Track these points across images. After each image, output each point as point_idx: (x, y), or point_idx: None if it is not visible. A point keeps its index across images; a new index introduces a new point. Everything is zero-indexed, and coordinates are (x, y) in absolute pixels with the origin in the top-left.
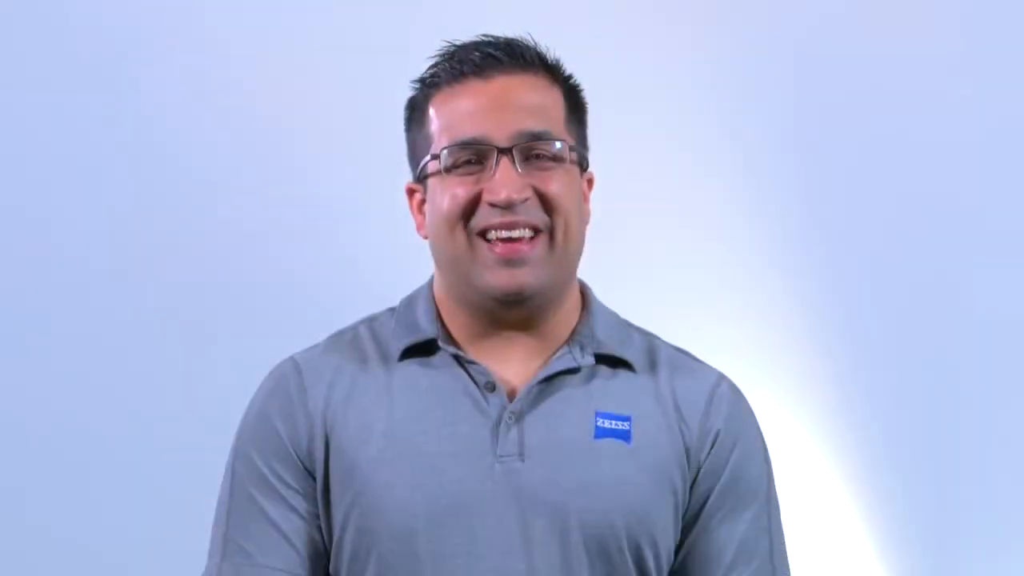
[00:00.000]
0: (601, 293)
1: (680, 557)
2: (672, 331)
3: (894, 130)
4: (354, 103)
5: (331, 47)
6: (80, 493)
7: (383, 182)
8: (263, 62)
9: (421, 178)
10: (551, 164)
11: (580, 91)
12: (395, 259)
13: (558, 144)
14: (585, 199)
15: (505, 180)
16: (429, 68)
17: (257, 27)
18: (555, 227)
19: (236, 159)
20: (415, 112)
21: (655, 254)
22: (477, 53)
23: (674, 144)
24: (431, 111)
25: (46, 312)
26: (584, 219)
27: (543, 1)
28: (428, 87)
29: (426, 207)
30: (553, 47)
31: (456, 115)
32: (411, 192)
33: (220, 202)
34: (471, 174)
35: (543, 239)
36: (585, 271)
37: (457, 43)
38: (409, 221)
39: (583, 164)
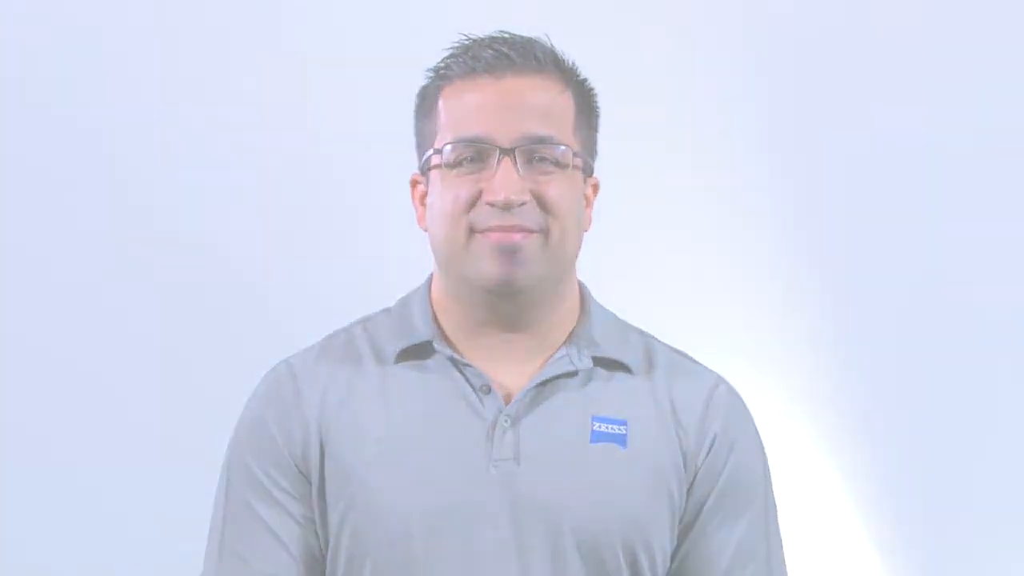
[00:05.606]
0: (600, 293)
1: (677, 561)
2: (671, 332)
3: (895, 130)
4: (355, 103)
5: (333, 47)
6: (78, 496)
7: (385, 181)
8: (264, 61)
9: (424, 170)
10: (553, 169)
11: (593, 96)
12: (395, 259)
13: (562, 148)
14: (588, 204)
15: (505, 181)
16: (443, 59)
17: (258, 27)
18: (551, 229)
19: (236, 158)
20: (425, 101)
21: (655, 254)
22: (491, 51)
23: (674, 144)
24: (440, 103)
25: (47, 312)
26: (583, 225)
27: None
28: (440, 79)
29: (427, 200)
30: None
31: (463, 111)
32: (414, 183)
33: (220, 202)
34: (472, 172)
35: (538, 237)
36: (585, 271)
37: (473, 37)
38: (409, 221)
39: (588, 170)
